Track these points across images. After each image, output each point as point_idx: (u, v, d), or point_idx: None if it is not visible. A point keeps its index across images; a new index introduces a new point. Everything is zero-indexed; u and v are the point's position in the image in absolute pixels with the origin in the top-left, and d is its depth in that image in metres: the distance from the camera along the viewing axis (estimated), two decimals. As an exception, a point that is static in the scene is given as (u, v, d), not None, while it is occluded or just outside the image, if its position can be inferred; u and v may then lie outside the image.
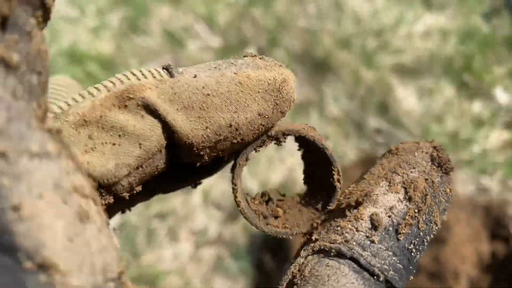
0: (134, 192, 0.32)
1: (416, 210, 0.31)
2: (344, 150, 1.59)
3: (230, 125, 0.30)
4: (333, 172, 0.34)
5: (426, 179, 0.32)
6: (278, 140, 0.34)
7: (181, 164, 0.33)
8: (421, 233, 0.31)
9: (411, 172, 0.32)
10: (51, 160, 0.19)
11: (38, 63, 0.20)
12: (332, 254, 0.30)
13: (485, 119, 1.68)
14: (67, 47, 1.73)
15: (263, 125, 0.32)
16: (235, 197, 0.34)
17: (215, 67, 0.31)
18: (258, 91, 0.30)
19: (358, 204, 0.32)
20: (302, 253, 0.32)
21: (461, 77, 1.76)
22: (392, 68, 1.78)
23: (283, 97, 0.32)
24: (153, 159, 0.30)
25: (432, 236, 0.32)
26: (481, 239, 1.22)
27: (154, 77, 0.30)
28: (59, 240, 0.18)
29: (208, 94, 0.29)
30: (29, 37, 0.20)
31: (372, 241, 0.30)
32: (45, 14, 0.21)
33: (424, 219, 0.31)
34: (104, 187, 0.30)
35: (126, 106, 0.28)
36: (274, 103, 0.31)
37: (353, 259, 0.30)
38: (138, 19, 1.83)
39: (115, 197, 0.31)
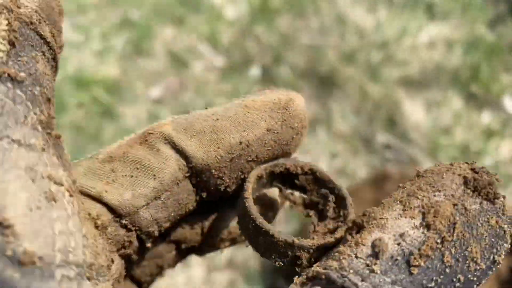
0: (162, 229, 0.34)
1: (439, 241, 0.26)
2: (353, 168, 1.58)
3: (240, 143, 0.33)
4: (345, 204, 0.34)
5: (454, 204, 0.27)
6: (290, 173, 0.35)
7: (210, 202, 0.36)
8: (448, 270, 0.26)
9: (434, 195, 0.27)
10: (31, 150, 0.23)
11: (43, 79, 0.26)
12: (323, 281, 0.26)
13: (495, 129, 1.66)
14: (73, 72, 1.74)
15: (274, 140, 0.34)
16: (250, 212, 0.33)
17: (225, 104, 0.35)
18: (265, 110, 0.33)
19: (358, 226, 0.28)
20: (296, 279, 0.28)
21: (469, 88, 1.75)
22: (398, 81, 1.77)
23: (290, 113, 0.34)
24: (171, 192, 0.33)
25: (473, 277, 0.26)
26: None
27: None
28: (20, 207, 0.21)
29: (218, 119, 0.33)
30: (35, 61, 0.25)
31: (372, 271, 0.25)
32: (51, 50, 0.27)
33: (452, 252, 0.26)
34: (125, 216, 0.33)
35: (146, 140, 0.33)
36: (282, 119, 0.34)
37: None
38: (142, 42, 1.84)
39: (145, 234, 0.34)
